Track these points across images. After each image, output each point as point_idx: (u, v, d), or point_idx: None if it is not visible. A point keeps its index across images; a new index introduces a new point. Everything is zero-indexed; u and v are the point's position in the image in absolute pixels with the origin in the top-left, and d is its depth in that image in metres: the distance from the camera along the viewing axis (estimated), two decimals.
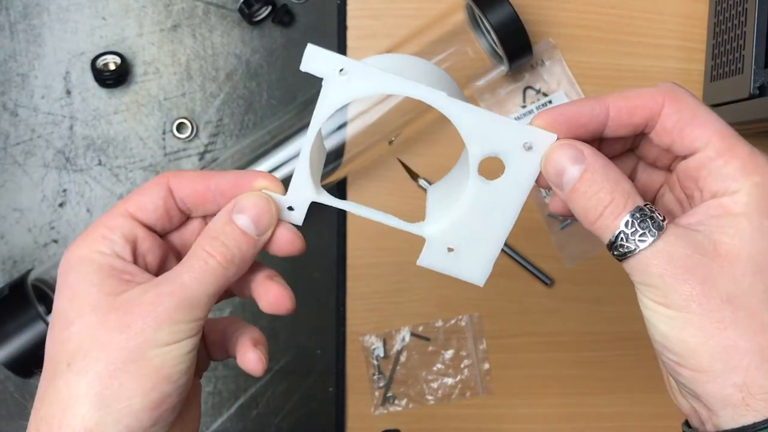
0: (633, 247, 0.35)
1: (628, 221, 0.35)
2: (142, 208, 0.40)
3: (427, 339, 0.69)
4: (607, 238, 0.36)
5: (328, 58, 0.37)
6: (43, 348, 0.38)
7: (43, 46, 0.67)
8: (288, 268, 0.68)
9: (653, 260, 0.35)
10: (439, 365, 0.69)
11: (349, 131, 0.63)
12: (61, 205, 0.67)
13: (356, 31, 0.68)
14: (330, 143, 0.63)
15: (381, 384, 0.69)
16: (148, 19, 0.67)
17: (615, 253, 0.36)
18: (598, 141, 0.39)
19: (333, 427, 0.69)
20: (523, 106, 0.68)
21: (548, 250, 0.69)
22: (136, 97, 0.67)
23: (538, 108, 0.68)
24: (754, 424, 0.34)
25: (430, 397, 0.69)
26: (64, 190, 0.67)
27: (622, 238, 0.35)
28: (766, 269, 0.35)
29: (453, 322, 0.69)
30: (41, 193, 0.67)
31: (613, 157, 0.39)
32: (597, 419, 0.71)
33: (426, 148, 0.68)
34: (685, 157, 0.38)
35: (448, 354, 0.69)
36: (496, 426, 0.70)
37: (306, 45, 0.38)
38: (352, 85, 0.38)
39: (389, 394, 0.69)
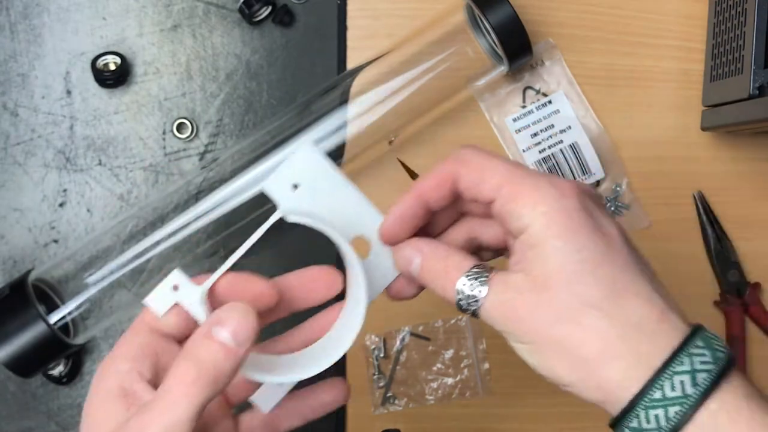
0: (474, 305, 0.41)
1: (464, 284, 0.41)
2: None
3: (427, 339, 0.69)
4: (454, 302, 0.41)
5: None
6: (43, 347, 0.39)
7: (43, 46, 0.67)
8: (288, 268, 0.68)
9: (492, 311, 0.40)
10: (439, 365, 0.69)
11: (349, 131, 0.63)
12: (61, 205, 0.67)
13: (356, 31, 0.68)
14: (330, 143, 0.63)
15: (381, 384, 0.69)
16: (149, 19, 0.67)
17: (466, 311, 0.41)
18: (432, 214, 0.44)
19: (333, 427, 0.69)
20: (523, 106, 0.68)
21: None
22: (136, 97, 0.67)
23: (538, 108, 0.68)
24: (616, 417, 0.42)
25: (430, 397, 0.69)
26: (65, 190, 0.67)
27: (461, 299, 0.41)
28: (573, 279, 0.38)
29: (453, 322, 0.69)
30: (41, 193, 0.67)
31: (451, 223, 0.46)
32: (597, 419, 0.71)
33: (426, 148, 0.68)
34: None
35: (448, 354, 0.69)
36: (496, 426, 0.70)
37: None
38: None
39: (389, 393, 0.69)
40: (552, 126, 0.68)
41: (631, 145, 0.69)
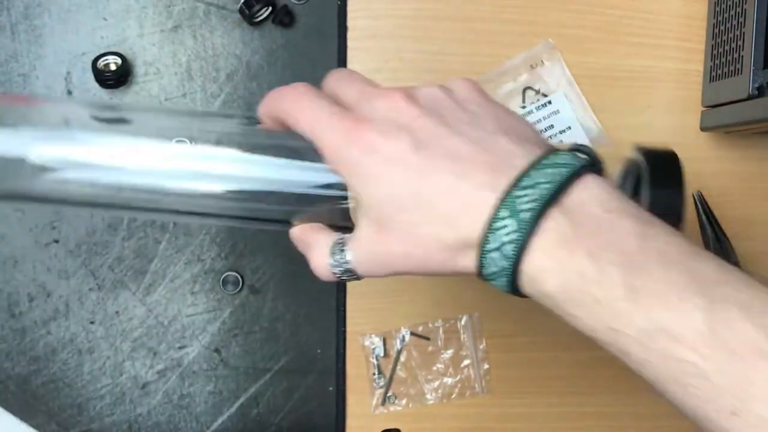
0: (351, 273, 0.44)
1: (330, 260, 0.44)
2: None
3: (427, 339, 0.69)
4: (331, 278, 0.45)
5: None
6: None
7: (44, 47, 0.67)
8: (288, 268, 0.69)
9: (364, 268, 0.44)
10: (438, 365, 0.70)
11: None
12: None
13: (357, 32, 0.68)
14: None
15: (381, 384, 0.69)
16: (149, 19, 0.67)
17: (351, 280, 0.45)
18: None
19: (333, 426, 0.69)
20: (523, 107, 0.68)
21: None
22: (137, 97, 0.67)
23: (537, 108, 0.68)
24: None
25: (430, 397, 0.69)
26: None
27: (338, 272, 0.45)
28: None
29: (453, 321, 0.69)
30: None
31: None
32: (597, 419, 0.71)
33: None
34: None
35: (448, 354, 0.69)
36: (496, 425, 0.70)
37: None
38: None
39: (389, 393, 0.69)
40: (552, 126, 0.68)
41: (631, 145, 0.69)
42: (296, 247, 0.47)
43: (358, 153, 0.40)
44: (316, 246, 0.45)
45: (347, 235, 0.44)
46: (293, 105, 0.44)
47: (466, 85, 0.44)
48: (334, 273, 0.44)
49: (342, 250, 0.43)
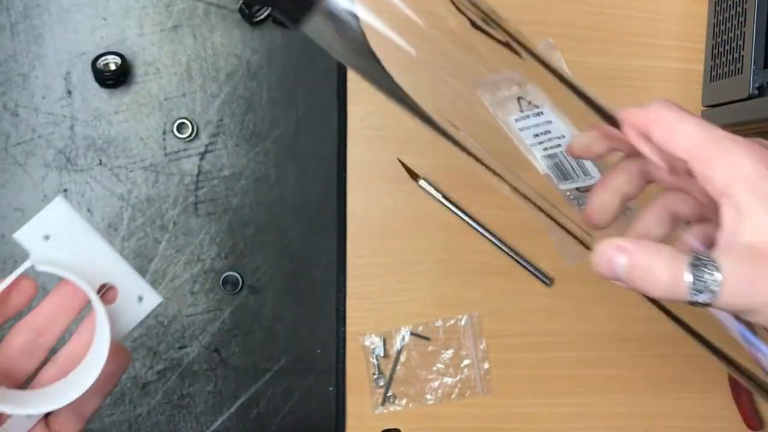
0: (710, 294, 0.38)
1: (693, 273, 0.38)
2: None
3: (427, 339, 0.69)
4: (685, 299, 0.38)
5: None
6: None
7: (43, 47, 0.67)
8: (288, 268, 0.69)
9: (732, 293, 0.37)
10: (439, 365, 0.70)
11: None
12: None
13: None
14: None
15: (381, 383, 0.69)
16: (149, 19, 0.67)
17: (697, 304, 0.38)
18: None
19: (333, 426, 0.69)
20: (521, 111, 0.68)
21: (548, 250, 0.69)
22: (136, 97, 0.67)
23: (534, 115, 0.68)
24: None
25: (429, 397, 0.69)
26: (65, 190, 0.67)
27: (696, 291, 0.38)
28: None
29: (453, 321, 0.69)
30: (42, 193, 0.67)
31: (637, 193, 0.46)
32: (597, 419, 0.71)
33: (426, 147, 0.68)
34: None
35: (448, 354, 0.69)
36: (496, 425, 0.70)
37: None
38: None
39: (389, 393, 0.69)
40: (549, 132, 0.68)
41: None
42: (598, 267, 0.41)
43: None
44: (660, 258, 0.39)
45: (710, 253, 0.39)
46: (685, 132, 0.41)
47: None
48: (693, 294, 0.38)
49: (712, 268, 0.38)
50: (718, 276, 0.37)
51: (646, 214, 0.45)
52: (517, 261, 0.69)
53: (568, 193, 0.44)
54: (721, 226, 0.39)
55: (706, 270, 0.37)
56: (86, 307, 0.46)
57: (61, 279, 0.46)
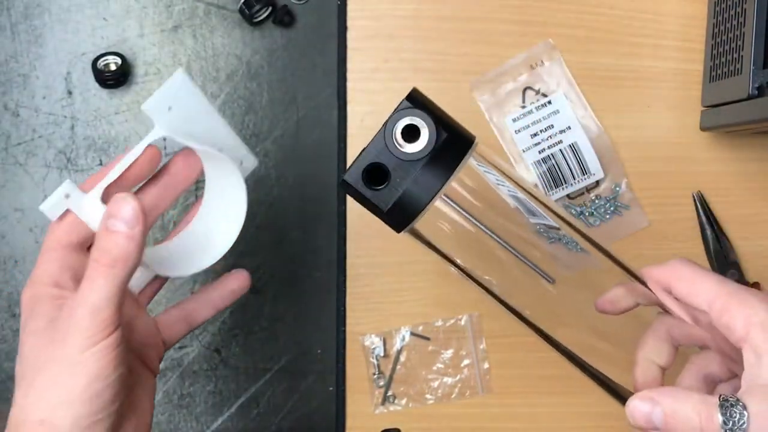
0: (741, 431, 0.41)
1: (723, 418, 0.41)
2: (71, 231, 0.47)
3: (427, 338, 0.69)
4: None
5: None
6: None
7: (44, 47, 0.67)
8: (288, 268, 0.69)
9: (762, 430, 0.41)
10: (438, 365, 0.70)
11: None
12: None
13: (357, 32, 0.68)
14: None
15: (381, 383, 0.69)
16: (149, 19, 0.67)
17: None
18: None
19: (333, 426, 0.69)
20: (523, 107, 0.68)
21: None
22: (137, 97, 0.67)
23: (537, 108, 0.68)
24: None
25: (430, 397, 0.69)
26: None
27: None
28: None
29: (453, 321, 0.69)
30: (42, 193, 0.67)
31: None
32: (597, 419, 0.71)
33: None
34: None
35: (448, 353, 0.69)
36: (496, 425, 0.70)
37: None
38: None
39: (389, 393, 0.69)
40: (551, 126, 0.68)
41: (630, 145, 0.69)
42: (634, 421, 0.44)
43: None
44: (690, 402, 0.42)
45: (737, 395, 0.42)
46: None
47: None
48: None
49: (740, 408, 0.41)
50: (745, 414, 0.40)
51: (683, 378, 0.49)
52: (520, 259, 0.69)
53: (537, 227, 0.49)
54: (744, 370, 0.42)
55: (734, 410, 0.40)
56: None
57: (183, 148, 0.50)
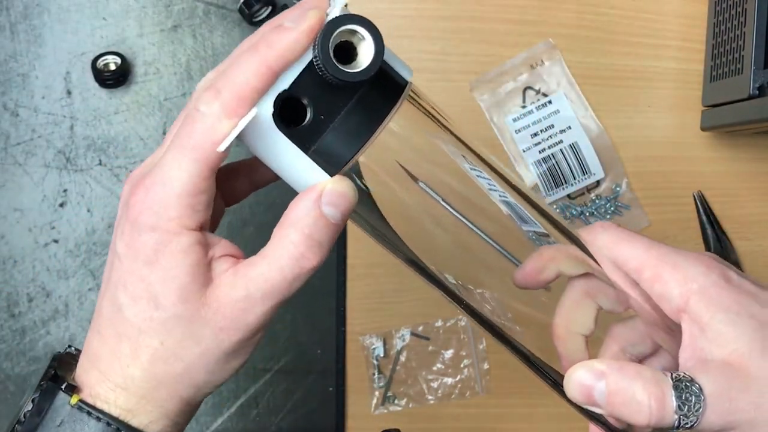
0: (694, 418, 0.36)
1: (678, 398, 0.36)
2: (220, 157, 0.36)
3: (427, 339, 0.69)
4: (672, 426, 0.36)
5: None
6: None
7: (43, 47, 0.67)
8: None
9: (715, 415, 0.36)
10: (439, 365, 0.69)
11: None
12: (61, 205, 0.67)
13: None
14: None
15: (381, 384, 0.69)
16: (149, 19, 0.67)
17: (680, 428, 0.36)
18: None
19: (333, 426, 0.69)
20: (523, 107, 0.68)
21: None
22: (136, 97, 0.67)
23: (538, 108, 0.68)
24: None
25: (430, 397, 0.69)
26: (65, 190, 0.67)
27: (682, 416, 0.36)
28: (763, 347, 0.37)
29: (453, 322, 0.69)
30: (42, 193, 0.67)
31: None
32: None
33: None
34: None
35: (448, 354, 0.69)
36: (496, 426, 0.70)
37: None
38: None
39: (389, 393, 0.69)
40: (552, 126, 0.68)
41: (630, 145, 0.69)
42: (573, 393, 0.39)
43: None
44: (641, 380, 0.37)
45: (688, 372, 0.37)
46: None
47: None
48: (682, 419, 0.36)
49: (695, 388, 0.36)
50: (701, 397, 0.35)
51: (603, 353, 0.43)
52: (515, 263, 0.69)
53: (530, 235, 0.42)
54: (684, 343, 0.38)
55: (689, 391, 0.36)
56: None
57: None
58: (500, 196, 0.42)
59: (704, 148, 0.70)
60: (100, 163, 0.67)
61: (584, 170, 0.68)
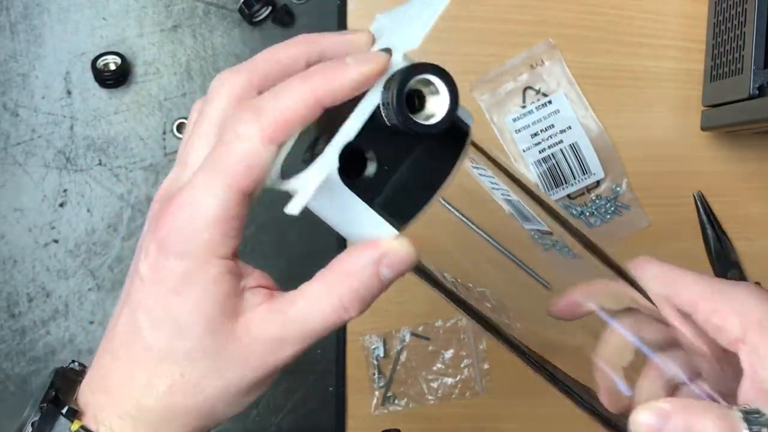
0: None
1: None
2: (257, 178, 0.34)
3: (427, 339, 0.69)
4: None
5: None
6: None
7: (43, 47, 0.67)
8: (288, 269, 0.68)
9: None
10: (439, 365, 0.69)
11: None
12: (61, 205, 0.67)
13: None
14: None
15: (381, 384, 0.69)
16: (149, 19, 0.67)
17: None
18: None
19: (333, 427, 0.69)
20: (523, 106, 0.68)
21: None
22: (136, 97, 0.67)
23: (538, 108, 0.68)
24: None
25: (430, 397, 0.69)
26: (65, 190, 0.67)
27: None
28: None
29: (453, 322, 0.69)
30: (42, 193, 0.67)
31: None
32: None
33: None
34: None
35: (448, 354, 0.69)
36: (496, 426, 0.70)
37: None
38: None
39: (389, 393, 0.69)
40: (552, 126, 0.68)
41: (631, 145, 0.69)
42: None
43: None
44: (711, 416, 0.36)
45: (754, 406, 0.37)
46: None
47: None
48: None
49: (764, 421, 0.36)
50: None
51: (642, 383, 0.42)
52: (518, 264, 0.69)
53: (532, 234, 0.41)
54: (744, 374, 0.38)
55: (757, 423, 0.36)
56: None
57: None
58: (503, 194, 0.41)
59: (704, 148, 0.70)
60: (100, 163, 0.67)
61: (584, 170, 0.68)
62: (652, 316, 0.42)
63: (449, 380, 0.70)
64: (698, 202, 0.69)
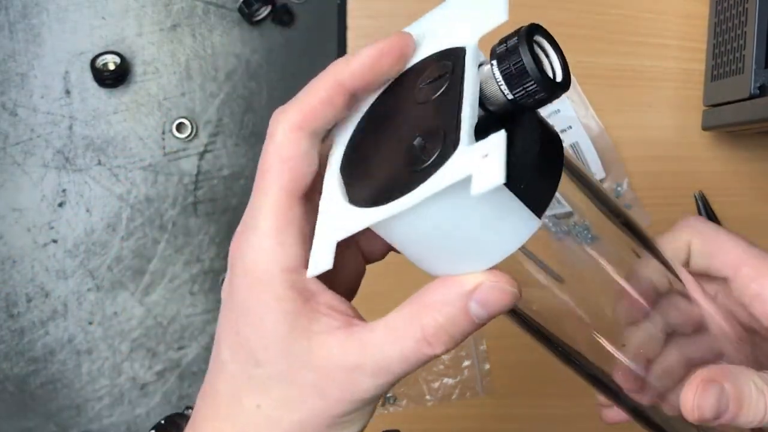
0: None
1: None
2: (296, 173, 0.32)
3: None
4: None
5: None
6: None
7: (42, 46, 0.67)
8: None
9: None
10: (439, 365, 0.69)
11: None
12: (60, 204, 0.67)
13: (356, 31, 0.68)
14: None
15: None
16: (148, 18, 0.67)
17: None
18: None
19: None
20: None
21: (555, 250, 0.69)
22: (135, 96, 0.67)
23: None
24: None
25: (430, 398, 0.69)
26: (64, 190, 0.67)
27: None
28: None
29: None
30: (40, 193, 0.67)
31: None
32: (597, 420, 0.71)
33: None
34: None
35: (448, 354, 0.69)
36: (496, 426, 0.70)
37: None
38: None
39: (389, 394, 0.69)
40: (555, 121, 0.68)
41: (631, 144, 0.69)
42: (701, 413, 0.35)
43: None
44: (749, 383, 0.36)
45: None
46: None
47: None
48: None
49: None
50: None
51: (663, 361, 0.41)
52: (528, 256, 0.69)
53: (546, 221, 0.38)
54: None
55: None
56: None
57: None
58: None
59: (705, 148, 0.69)
60: (99, 163, 0.67)
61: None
62: (680, 293, 0.41)
63: (449, 381, 0.69)
64: (699, 202, 0.69)
